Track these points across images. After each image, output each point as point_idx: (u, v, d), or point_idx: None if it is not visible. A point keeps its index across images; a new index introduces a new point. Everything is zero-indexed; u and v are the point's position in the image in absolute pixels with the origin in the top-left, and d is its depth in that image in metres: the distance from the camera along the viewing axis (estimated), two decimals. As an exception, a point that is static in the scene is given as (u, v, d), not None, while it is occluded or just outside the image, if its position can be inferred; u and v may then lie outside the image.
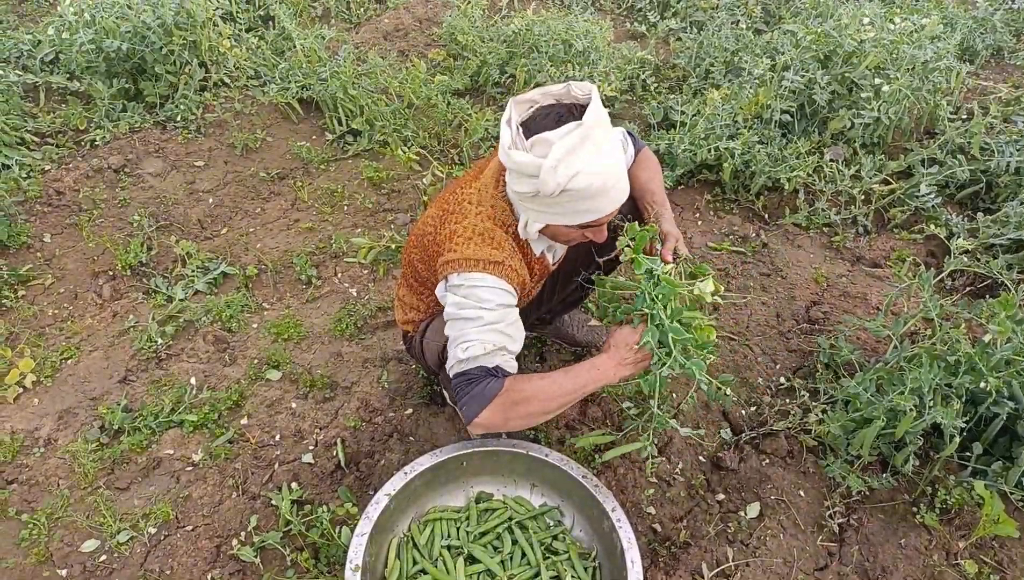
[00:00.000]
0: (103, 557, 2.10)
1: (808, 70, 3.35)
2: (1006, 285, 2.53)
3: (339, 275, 3.02)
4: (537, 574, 1.97)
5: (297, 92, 3.74)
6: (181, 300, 2.89)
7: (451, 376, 1.72)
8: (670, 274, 1.72)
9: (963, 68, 3.37)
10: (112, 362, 2.69)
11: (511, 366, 1.74)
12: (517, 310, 1.77)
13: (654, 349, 1.72)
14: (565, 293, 2.39)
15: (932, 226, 2.88)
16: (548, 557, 2.01)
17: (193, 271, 3.02)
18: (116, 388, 2.60)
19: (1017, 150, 3.02)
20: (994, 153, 3.08)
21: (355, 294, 2.95)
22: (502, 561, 2.00)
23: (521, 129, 1.59)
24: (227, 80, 3.95)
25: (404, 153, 3.22)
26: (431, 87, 3.60)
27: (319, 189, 3.45)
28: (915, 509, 2.15)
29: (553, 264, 2.02)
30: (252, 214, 3.35)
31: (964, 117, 3.44)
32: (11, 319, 2.83)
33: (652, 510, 2.19)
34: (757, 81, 3.30)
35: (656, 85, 3.71)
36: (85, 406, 2.54)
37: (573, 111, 1.59)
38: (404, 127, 3.59)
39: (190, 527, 2.17)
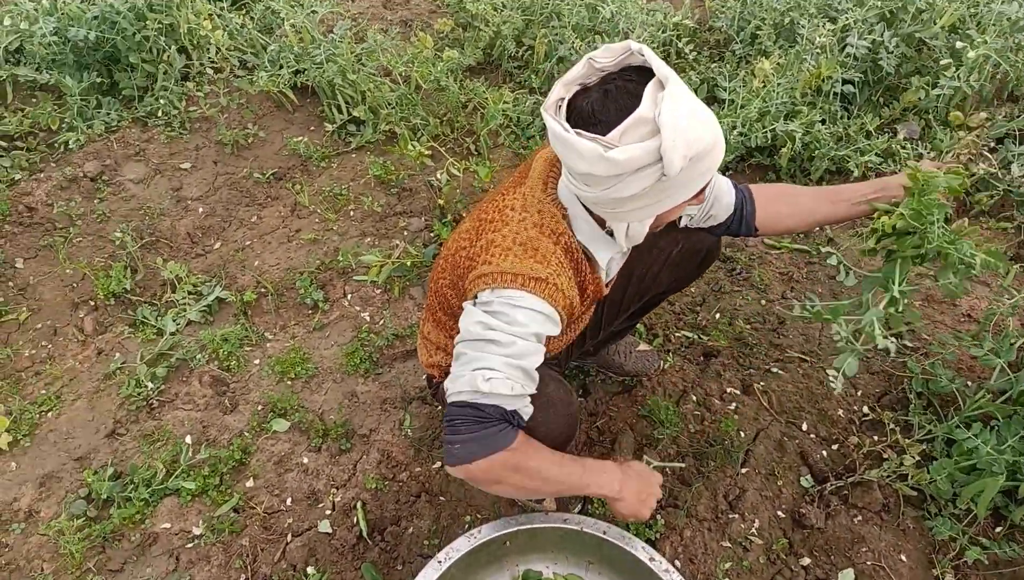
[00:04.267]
0: (98, 657, 1.82)
1: (873, 32, 2.92)
2: None
3: (348, 297, 2.67)
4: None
5: (290, 78, 3.33)
6: (172, 333, 2.56)
7: (452, 402, 1.37)
8: None
9: (1053, 20, 2.92)
10: (98, 413, 2.38)
11: (527, 413, 1.41)
12: (544, 349, 1.42)
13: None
14: (614, 324, 2.05)
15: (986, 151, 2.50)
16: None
17: (184, 297, 2.67)
18: (103, 444, 2.29)
19: (1124, 119, 2.61)
20: (1093, 122, 2.67)
21: (368, 319, 2.60)
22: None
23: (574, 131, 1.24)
24: (211, 67, 3.54)
25: (415, 149, 2.83)
26: (440, 67, 3.18)
27: (320, 191, 3.07)
28: (1040, 576, 1.83)
29: (607, 284, 1.66)
30: (248, 224, 2.99)
31: (1049, 76, 3.00)
32: (-18, 365, 2.51)
33: (728, 584, 1.88)
34: (818, 50, 2.86)
35: (695, 54, 3.28)
36: (69, 469, 2.24)
37: (616, 83, 1.26)
38: (412, 114, 3.19)
39: (194, 619, 1.88)
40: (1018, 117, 2.79)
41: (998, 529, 1.91)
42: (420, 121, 3.19)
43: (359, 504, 2.08)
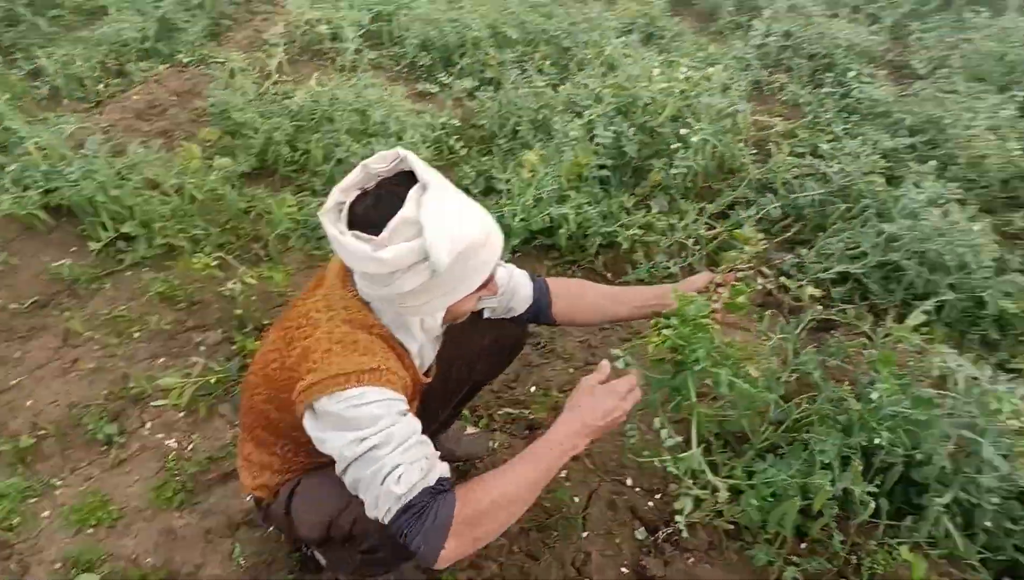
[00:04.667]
0: None
1: (613, 123, 3.36)
2: (853, 324, 2.66)
3: (148, 425, 2.45)
4: None
5: (39, 199, 3.05)
6: (-70, 502, 2.18)
7: (388, 520, 1.37)
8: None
9: (749, 108, 3.55)
10: None
11: (446, 468, 1.45)
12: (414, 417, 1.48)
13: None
14: (442, 415, 2.10)
15: (763, 266, 2.97)
16: None
17: (-60, 457, 2.29)
18: None
19: (816, 182, 3.24)
20: (794, 188, 3.28)
21: (175, 446, 2.40)
22: None
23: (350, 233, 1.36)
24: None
25: (199, 260, 2.72)
26: (213, 176, 3.10)
27: (96, 315, 2.81)
28: (844, 580, 2.12)
29: (424, 373, 1.73)
30: (11, 361, 2.65)
31: (754, 152, 3.64)
32: None
33: (593, 647, 1.96)
34: (573, 141, 3.23)
35: (466, 149, 3.51)
36: None
37: (387, 187, 1.39)
38: (191, 225, 3.06)
39: None
40: (738, 187, 3.34)
41: (803, 546, 2.19)
42: (201, 232, 3.06)
43: (199, 653, 1.90)
